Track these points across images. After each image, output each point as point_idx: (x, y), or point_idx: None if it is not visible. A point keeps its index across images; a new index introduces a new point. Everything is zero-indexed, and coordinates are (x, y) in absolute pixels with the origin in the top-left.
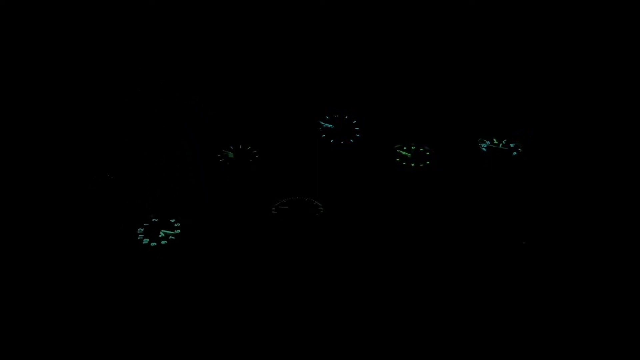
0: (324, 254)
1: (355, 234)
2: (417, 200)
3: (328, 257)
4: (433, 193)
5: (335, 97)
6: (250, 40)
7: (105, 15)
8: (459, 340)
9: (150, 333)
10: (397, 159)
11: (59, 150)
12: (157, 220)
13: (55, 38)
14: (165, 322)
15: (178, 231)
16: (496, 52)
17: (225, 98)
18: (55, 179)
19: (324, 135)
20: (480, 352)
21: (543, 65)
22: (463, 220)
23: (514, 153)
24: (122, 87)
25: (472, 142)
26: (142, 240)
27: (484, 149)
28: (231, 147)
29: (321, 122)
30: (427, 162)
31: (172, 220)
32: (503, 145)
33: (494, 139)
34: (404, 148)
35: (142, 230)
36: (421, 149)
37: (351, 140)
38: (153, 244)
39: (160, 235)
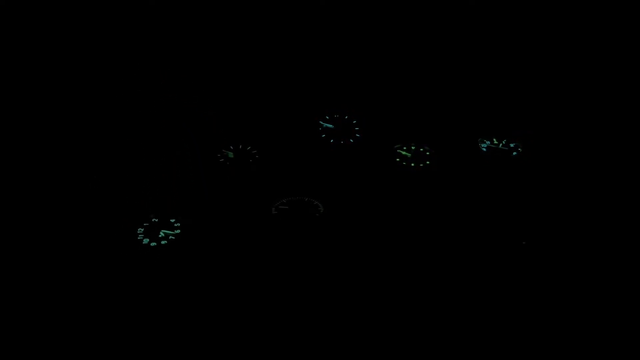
0: (324, 254)
1: (355, 234)
2: (417, 200)
3: (328, 257)
4: (433, 193)
5: (335, 97)
6: (250, 40)
7: (105, 15)
8: (459, 340)
9: (150, 333)
10: (397, 159)
11: (59, 150)
12: (157, 220)
13: (55, 38)
14: (165, 322)
15: (178, 231)
16: (496, 52)
17: (225, 98)
18: (55, 179)
19: (324, 135)
20: (480, 352)
21: (543, 65)
22: (463, 220)
23: (514, 153)
24: (122, 87)
25: (472, 142)
26: (142, 240)
27: (484, 149)
28: (231, 147)
29: (321, 122)
30: (427, 162)
31: (172, 220)
32: (503, 145)
33: (494, 139)
34: (404, 148)
35: (142, 230)
36: (421, 149)
37: (351, 140)
38: (153, 244)
39: (160, 235)
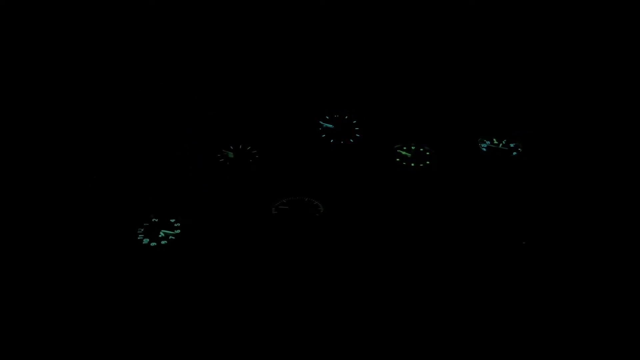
0: (324, 254)
1: (355, 234)
2: (417, 200)
3: (328, 257)
4: (433, 193)
5: (335, 97)
6: (250, 40)
7: (106, 15)
8: (459, 340)
9: (150, 333)
10: (397, 159)
11: (59, 150)
12: (157, 220)
13: (55, 38)
14: (165, 322)
15: (178, 231)
16: (496, 52)
17: (225, 98)
18: (55, 179)
19: (324, 135)
20: (480, 352)
21: (543, 65)
22: (463, 220)
23: (514, 153)
24: (122, 87)
25: (472, 142)
26: (142, 240)
27: (484, 149)
28: (231, 147)
29: (321, 122)
30: (427, 162)
31: (172, 221)
32: (503, 145)
33: (494, 139)
34: (404, 148)
35: (142, 230)
36: (421, 149)
37: (351, 140)
38: (153, 244)
39: (160, 235)
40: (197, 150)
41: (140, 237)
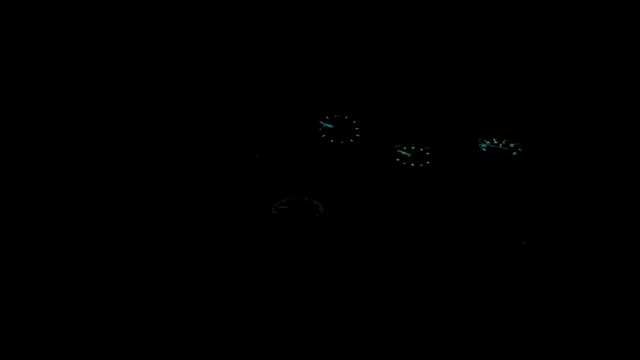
0: (324, 254)
1: (355, 234)
2: (417, 200)
3: (328, 257)
4: (433, 193)
5: (335, 97)
6: (250, 40)
7: (106, 15)
8: (459, 340)
9: (150, 333)
10: (397, 159)
11: (59, 150)
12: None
13: (55, 38)
14: (165, 323)
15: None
16: (496, 52)
17: (225, 98)
18: (55, 179)
19: (324, 135)
20: (480, 352)
21: (543, 65)
22: (463, 220)
23: (514, 153)
24: (122, 87)
25: (472, 142)
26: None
27: (484, 149)
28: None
29: (321, 122)
30: (427, 162)
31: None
32: (503, 145)
33: (494, 139)
34: (404, 148)
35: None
36: (421, 149)
37: (351, 140)
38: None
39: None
40: (197, 151)
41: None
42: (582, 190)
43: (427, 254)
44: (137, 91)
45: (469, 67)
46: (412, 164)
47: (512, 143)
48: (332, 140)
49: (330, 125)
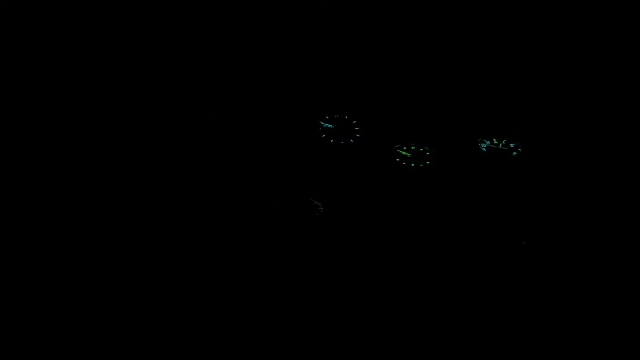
0: (324, 254)
1: (355, 234)
2: (417, 200)
3: (328, 257)
4: (433, 193)
5: (335, 97)
6: (250, 40)
7: (106, 15)
8: (459, 340)
9: (150, 333)
10: (397, 159)
11: (59, 150)
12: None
13: (55, 38)
14: (165, 323)
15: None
16: (496, 52)
17: (225, 98)
18: (55, 179)
19: (324, 135)
20: (481, 352)
21: (543, 65)
22: (463, 220)
23: (514, 153)
24: (122, 87)
25: (472, 142)
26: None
27: (484, 149)
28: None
29: (321, 122)
30: (427, 162)
31: None
32: (503, 145)
33: (494, 139)
34: (404, 148)
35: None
36: (421, 149)
37: (351, 140)
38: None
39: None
40: (197, 151)
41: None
42: (582, 190)
43: (427, 253)
44: (137, 91)
45: (468, 67)
46: (412, 164)
47: (512, 143)
48: (332, 140)
49: (330, 125)
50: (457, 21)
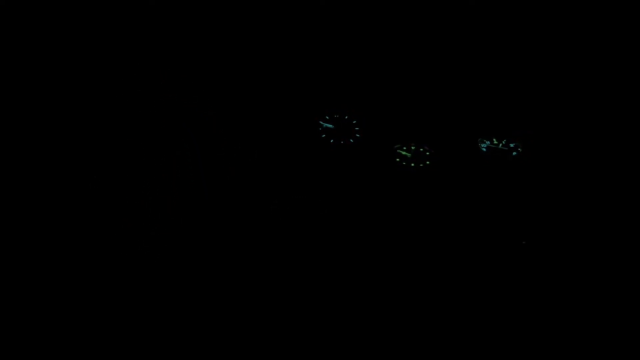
0: (324, 254)
1: (355, 234)
2: (417, 200)
3: (328, 257)
4: (433, 193)
5: (335, 97)
6: (250, 40)
7: (106, 15)
8: (459, 340)
9: (150, 333)
10: (397, 159)
11: (59, 150)
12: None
13: (55, 38)
14: (165, 323)
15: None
16: (496, 52)
17: (225, 98)
18: (55, 179)
19: (324, 135)
20: (481, 352)
21: (543, 65)
22: (463, 220)
23: (514, 153)
24: (122, 87)
25: (472, 142)
26: None
27: (484, 149)
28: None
29: (321, 122)
30: (427, 162)
31: None
32: (503, 145)
33: (494, 139)
34: (404, 148)
35: None
36: (421, 149)
37: (351, 140)
38: None
39: None
40: (197, 151)
41: None
42: (582, 190)
43: (427, 253)
44: (137, 91)
45: (468, 67)
46: (412, 164)
47: (512, 143)
48: (332, 140)
49: (330, 125)
50: (457, 21)
